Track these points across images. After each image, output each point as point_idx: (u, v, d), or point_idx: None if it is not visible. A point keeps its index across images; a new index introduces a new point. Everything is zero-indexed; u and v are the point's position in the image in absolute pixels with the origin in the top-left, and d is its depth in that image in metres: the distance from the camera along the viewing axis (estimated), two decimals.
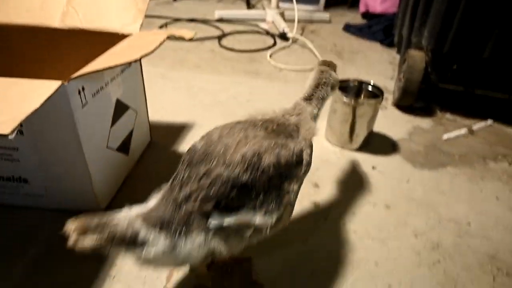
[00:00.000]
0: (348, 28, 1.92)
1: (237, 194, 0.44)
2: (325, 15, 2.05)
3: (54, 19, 0.80)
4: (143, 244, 0.40)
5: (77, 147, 0.62)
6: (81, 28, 0.80)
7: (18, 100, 0.50)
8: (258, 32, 1.80)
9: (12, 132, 0.45)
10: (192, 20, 1.90)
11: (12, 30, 0.81)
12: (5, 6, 0.82)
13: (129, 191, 0.77)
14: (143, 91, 0.87)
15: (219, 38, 1.67)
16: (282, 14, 1.94)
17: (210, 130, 0.51)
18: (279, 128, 0.53)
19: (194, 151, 0.48)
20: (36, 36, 0.81)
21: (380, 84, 0.98)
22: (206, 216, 0.43)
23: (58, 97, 0.55)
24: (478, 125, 1.11)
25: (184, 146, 0.92)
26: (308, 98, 0.65)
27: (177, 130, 0.98)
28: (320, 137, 1.00)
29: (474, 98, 1.19)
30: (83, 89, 0.61)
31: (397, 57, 1.59)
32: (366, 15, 2.12)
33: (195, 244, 0.42)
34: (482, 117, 1.15)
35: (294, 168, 0.49)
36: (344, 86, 0.96)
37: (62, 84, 0.54)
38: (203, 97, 1.16)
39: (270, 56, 1.51)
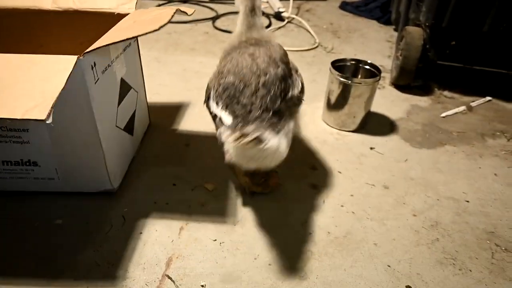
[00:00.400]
0: (344, 6, 1.87)
1: (284, 85, 0.61)
2: None
3: (46, 1, 0.78)
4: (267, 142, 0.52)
5: (91, 124, 0.61)
6: (74, 9, 0.78)
7: (41, 79, 0.49)
8: None
9: (48, 116, 0.44)
10: (185, 1, 1.86)
11: (3, 14, 0.79)
12: None
13: (136, 172, 0.77)
14: (141, 72, 0.86)
15: (213, 19, 1.63)
16: None
17: (220, 69, 0.65)
18: (256, 42, 0.70)
19: (233, 85, 0.60)
20: (28, 20, 0.79)
21: (377, 63, 0.97)
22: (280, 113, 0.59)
23: (73, 73, 0.54)
24: (476, 102, 1.10)
25: (181, 128, 0.91)
26: (252, 10, 0.75)
27: (173, 114, 0.97)
28: (317, 118, 0.99)
29: (473, 75, 1.17)
30: (94, 64, 0.60)
31: (395, 35, 1.57)
32: None
33: (288, 138, 0.60)
34: (481, 94, 1.14)
35: (287, 56, 0.69)
36: (340, 66, 0.95)
37: (78, 58, 0.53)
38: (197, 81, 1.14)
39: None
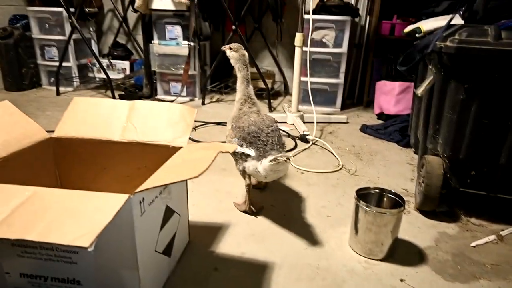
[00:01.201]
0: (365, 128, 2.02)
1: (280, 133, 1.06)
2: (343, 117, 2.18)
3: (116, 133, 0.93)
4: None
5: (132, 252, 0.67)
6: (137, 141, 0.92)
7: (93, 213, 0.57)
8: None
9: (91, 245, 0.50)
10: (218, 123, 2.06)
11: (80, 142, 0.95)
12: (75, 123, 0.97)
13: None
14: (186, 195, 0.94)
15: None
16: (301, 117, 2.08)
17: (239, 126, 1.06)
18: (256, 111, 1.13)
19: (255, 131, 1.01)
20: (99, 148, 0.95)
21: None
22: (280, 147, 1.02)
23: (122, 208, 0.61)
24: (507, 230, 1.09)
25: (210, 250, 0.94)
26: (247, 81, 1.16)
27: (203, 235, 1.01)
28: (344, 244, 1.00)
29: (499, 202, 1.18)
30: (143, 200, 0.68)
31: (415, 157, 1.64)
32: (381, 115, 2.24)
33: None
34: (510, 222, 1.13)
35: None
36: (365, 194, 1.00)
37: (129, 197, 0.60)
38: (229, 202, 1.20)
39: (293, 157, 1.59)
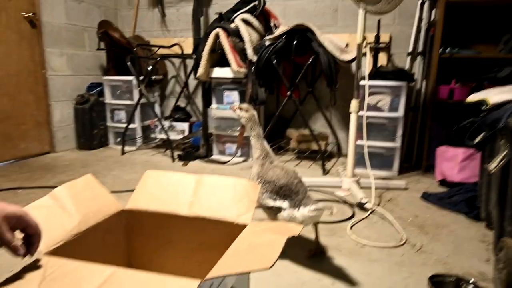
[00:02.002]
0: (427, 197, 1.91)
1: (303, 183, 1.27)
2: (401, 183, 2.10)
3: (183, 207, 0.97)
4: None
5: None
6: (202, 216, 0.94)
7: None
8: (335, 201, 1.88)
9: None
10: None
11: (149, 215, 0.98)
12: (146, 196, 1.02)
13: None
14: (248, 276, 0.93)
15: None
16: (357, 182, 2.03)
17: (267, 179, 1.22)
18: (278, 165, 1.27)
19: (286, 185, 1.19)
20: (166, 221, 0.98)
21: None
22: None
23: None
24: None
25: None
26: (262, 138, 1.30)
27: None
28: None
29: None
30: (212, 284, 0.68)
31: (488, 234, 1.50)
32: (444, 182, 2.12)
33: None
34: None
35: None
36: (438, 282, 0.92)
37: (200, 284, 0.61)
38: (289, 279, 1.16)
39: (351, 228, 1.52)
